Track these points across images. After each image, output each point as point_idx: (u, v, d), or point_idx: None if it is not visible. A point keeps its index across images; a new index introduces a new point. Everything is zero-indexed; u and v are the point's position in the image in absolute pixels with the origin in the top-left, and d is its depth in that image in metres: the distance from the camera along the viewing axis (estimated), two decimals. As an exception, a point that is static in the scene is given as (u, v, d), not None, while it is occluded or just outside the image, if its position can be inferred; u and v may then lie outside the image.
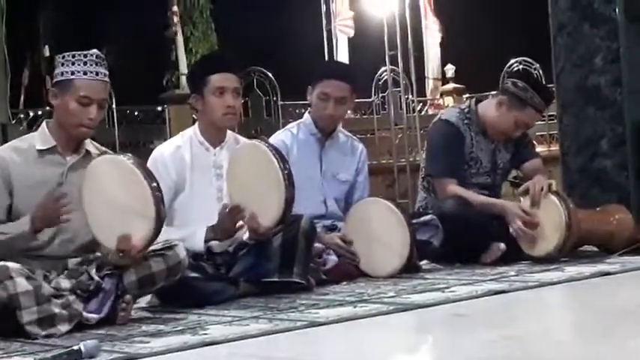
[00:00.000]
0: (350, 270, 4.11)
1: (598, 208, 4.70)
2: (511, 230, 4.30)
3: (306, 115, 4.46)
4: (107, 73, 3.37)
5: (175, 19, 13.27)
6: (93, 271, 3.21)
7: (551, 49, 6.07)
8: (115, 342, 2.83)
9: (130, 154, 3.27)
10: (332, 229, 4.25)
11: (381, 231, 4.11)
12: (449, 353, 2.57)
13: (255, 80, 11.58)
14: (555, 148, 7.82)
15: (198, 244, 3.71)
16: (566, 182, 5.89)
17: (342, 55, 13.18)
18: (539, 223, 4.25)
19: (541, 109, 4.63)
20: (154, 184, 3.13)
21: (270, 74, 11.65)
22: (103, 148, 3.56)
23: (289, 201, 3.60)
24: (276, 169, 3.59)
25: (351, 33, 13.59)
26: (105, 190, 3.20)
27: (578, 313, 3.28)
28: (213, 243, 3.77)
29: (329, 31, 13.48)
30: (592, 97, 5.84)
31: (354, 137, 4.60)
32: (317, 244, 3.97)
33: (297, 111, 11.25)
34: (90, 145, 3.47)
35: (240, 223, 3.71)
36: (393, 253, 4.07)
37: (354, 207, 4.28)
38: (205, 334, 2.89)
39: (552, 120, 8.35)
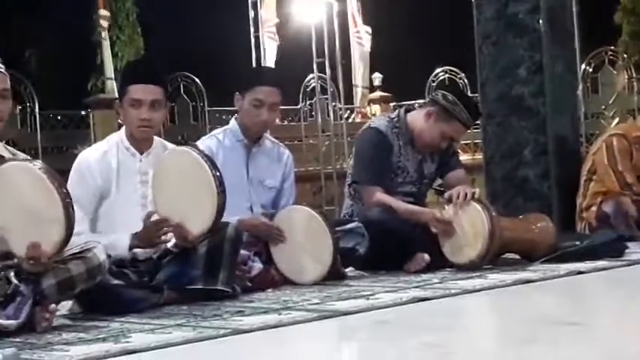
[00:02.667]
0: (275, 277, 4.10)
1: (520, 217, 4.77)
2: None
3: (232, 122, 4.44)
4: (3, 66, 3.31)
5: (102, 22, 13.11)
6: (12, 275, 3.15)
7: (476, 59, 6.15)
8: (34, 350, 2.77)
9: (38, 161, 3.24)
10: (257, 236, 4.23)
11: (305, 238, 4.11)
12: (373, 360, 2.58)
13: (181, 86, 11.50)
14: (479, 156, 7.92)
15: (123, 251, 3.67)
16: (489, 191, 5.97)
17: (270, 62, 13.18)
18: (453, 232, 4.29)
19: (468, 124, 4.68)
20: (64, 190, 3.09)
21: (197, 80, 11.59)
22: (22, 155, 3.50)
23: (221, 208, 3.57)
24: (208, 176, 3.56)
25: (277, 40, 13.60)
26: (14, 197, 3.15)
27: (500, 321, 3.32)
28: (138, 250, 3.73)
29: (257, 38, 13.46)
30: (516, 107, 5.95)
31: (281, 144, 4.59)
32: (242, 252, 3.95)
33: (223, 117, 11.21)
34: (5, 151, 3.40)
35: (167, 234, 3.68)
36: (317, 261, 4.07)
37: (278, 214, 4.27)
38: (127, 342, 2.85)
39: (477, 129, 8.45)
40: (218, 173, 3.58)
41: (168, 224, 3.62)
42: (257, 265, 4.06)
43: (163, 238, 3.69)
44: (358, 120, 13.68)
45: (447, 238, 4.32)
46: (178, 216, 3.61)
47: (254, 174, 4.35)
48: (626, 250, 4.63)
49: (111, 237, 3.66)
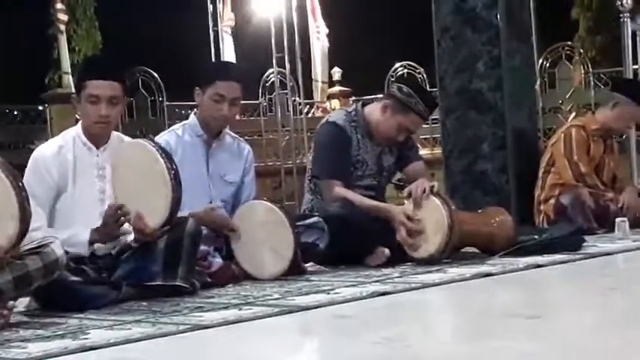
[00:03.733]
0: (235, 272, 4.08)
1: (479, 211, 4.80)
2: (397, 237, 4.34)
3: (192, 117, 4.41)
4: None
5: (60, 16, 12.96)
6: None
7: (435, 54, 6.18)
8: (-10, 348, 2.74)
9: None
10: (212, 229, 4.21)
11: (265, 233, 4.10)
12: (332, 355, 2.58)
13: (140, 80, 11.42)
14: (438, 150, 7.96)
15: (83, 246, 3.63)
16: (448, 185, 6.01)
17: (229, 57, 13.12)
18: (423, 231, 4.30)
19: (424, 116, 4.70)
20: (19, 185, 3.05)
21: (155, 74, 11.51)
22: None
23: (176, 200, 3.55)
24: (162, 168, 3.54)
25: (229, 31, 13.55)
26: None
27: (460, 314, 3.34)
28: (96, 246, 3.70)
29: (215, 32, 13.40)
30: (474, 101, 5.99)
31: (241, 139, 4.57)
32: (202, 247, 3.93)
33: (183, 112, 11.15)
34: None
35: (126, 225, 3.65)
36: (277, 256, 4.07)
37: (239, 209, 4.26)
38: (86, 338, 2.82)
39: (436, 123, 8.50)
40: (174, 166, 3.56)
41: (127, 214, 3.59)
42: (217, 261, 4.05)
43: (123, 230, 3.66)
44: (318, 115, 13.68)
45: (415, 238, 4.31)
46: (136, 208, 3.59)
47: (214, 169, 4.33)
48: (584, 243, 4.67)
49: (69, 232, 3.63)
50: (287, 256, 4.05)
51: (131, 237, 3.71)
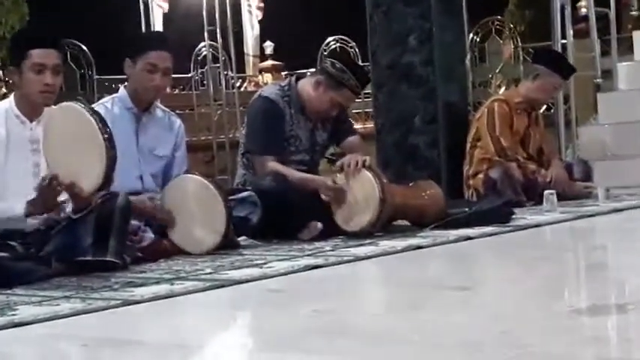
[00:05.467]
0: (167, 247, 4.05)
1: (411, 184, 4.83)
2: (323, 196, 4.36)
3: (122, 90, 4.35)
4: None
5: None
6: None
7: (367, 28, 6.19)
8: None
9: None
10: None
11: (197, 207, 4.08)
12: (264, 328, 2.58)
13: (69, 53, 11.21)
14: (371, 125, 8.00)
15: (18, 220, 3.57)
16: (380, 158, 6.04)
17: (158, 29, 12.95)
18: (345, 198, 4.32)
19: (357, 91, 4.71)
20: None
21: (84, 47, 11.32)
22: None
23: (112, 162, 3.45)
24: (94, 129, 3.44)
25: (166, 7, 13.39)
26: None
27: (391, 286, 3.37)
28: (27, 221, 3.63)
29: (145, 4, 13.21)
30: (406, 75, 6.02)
31: (172, 112, 4.53)
32: (133, 221, 3.89)
33: (113, 85, 11.00)
34: None
35: (62, 196, 3.58)
36: (209, 230, 4.05)
37: (170, 183, 4.22)
38: (14, 314, 2.78)
39: (368, 98, 8.50)
40: (107, 128, 3.47)
41: (60, 182, 3.51)
42: (148, 235, 4.01)
43: (59, 199, 3.59)
44: (251, 89, 13.62)
45: (339, 206, 4.35)
46: (70, 174, 3.49)
47: (144, 143, 4.28)
48: (513, 216, 4.74)
49: (2, 206, 3.56)
50: (219, 231, 4.03)
51: (69, 208, 3.66)
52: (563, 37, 7.12)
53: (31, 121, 3.76)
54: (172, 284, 3.22)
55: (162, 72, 4.20)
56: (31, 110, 3.76)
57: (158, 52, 4.20)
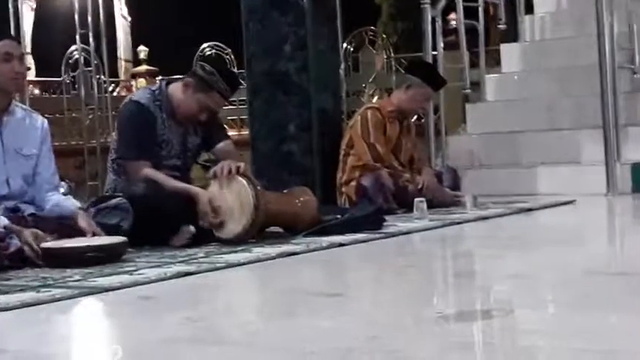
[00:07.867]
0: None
1: (285, 191, 4.85)
2: (201, 223, 4.31)
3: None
4: None
5: None
6: None
7: (243, 35, 6.18)
8: None
9: None
10: (15, 210, 4.05)
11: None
12: (134, 336, 2.54)
13: None
14: (246, 132, 7.98)
15: None
16: (255, 165, 6.03)
17: (28, 30, 12.63)
18: (222, 223, 4.30)
19: (226, 94, 4.69)
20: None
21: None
22: None
23: None
24: None
25: (33, 5, 13.07)
26: None
27: (264, 293, 3.37)
28: None
29: (15, 7, 12.85)
30: (281, 82, 6.04)
31: (33, 111, 4.40)
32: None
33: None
34: None
35: None
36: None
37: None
38: None
39: (243, 105, 8.51)
40: None
41: None
42: (14, 242, 3.89)
43: None
44: (123, 94, 13.42)
45: (217, 222, 4.31)
46: None
47: (8, 144, 4.14)
48: (384, 223, 4.81)
49: None
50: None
51: None
52: (434, 48, 7.27)
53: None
54: (39, 292, 3.13)
55: (18, 58, 4.11)
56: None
57: (8, 40, 4.14)
